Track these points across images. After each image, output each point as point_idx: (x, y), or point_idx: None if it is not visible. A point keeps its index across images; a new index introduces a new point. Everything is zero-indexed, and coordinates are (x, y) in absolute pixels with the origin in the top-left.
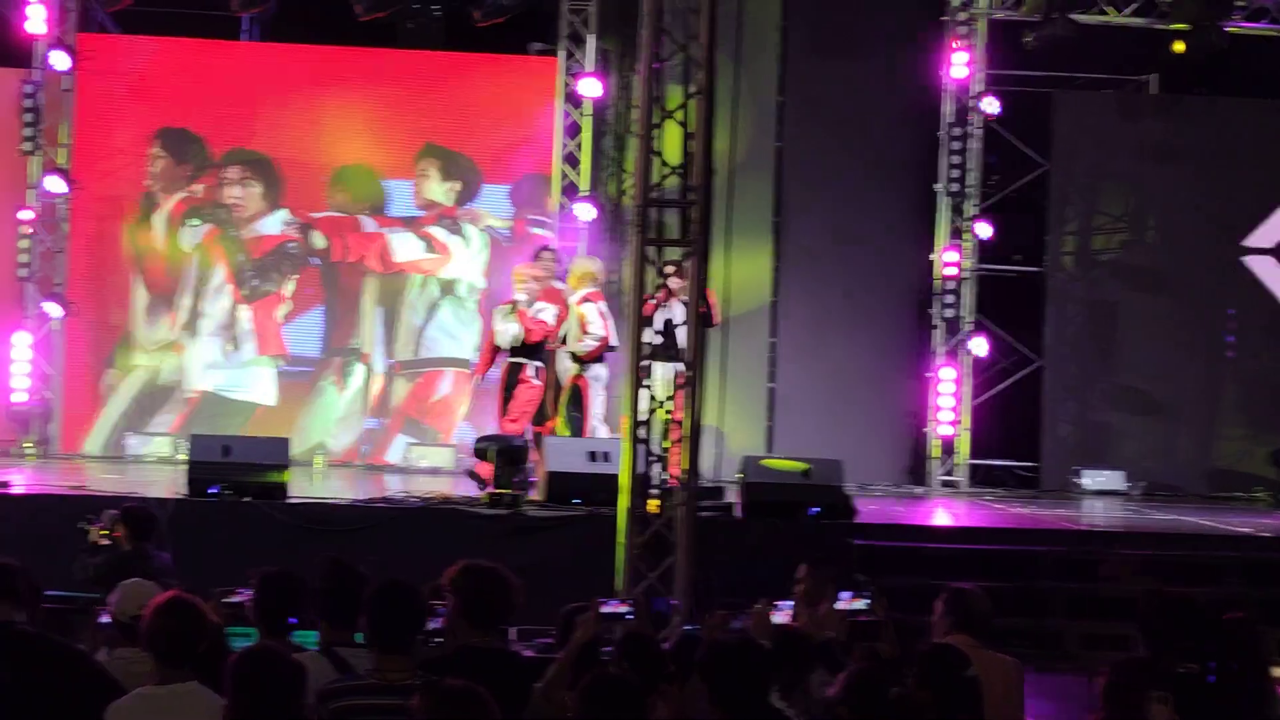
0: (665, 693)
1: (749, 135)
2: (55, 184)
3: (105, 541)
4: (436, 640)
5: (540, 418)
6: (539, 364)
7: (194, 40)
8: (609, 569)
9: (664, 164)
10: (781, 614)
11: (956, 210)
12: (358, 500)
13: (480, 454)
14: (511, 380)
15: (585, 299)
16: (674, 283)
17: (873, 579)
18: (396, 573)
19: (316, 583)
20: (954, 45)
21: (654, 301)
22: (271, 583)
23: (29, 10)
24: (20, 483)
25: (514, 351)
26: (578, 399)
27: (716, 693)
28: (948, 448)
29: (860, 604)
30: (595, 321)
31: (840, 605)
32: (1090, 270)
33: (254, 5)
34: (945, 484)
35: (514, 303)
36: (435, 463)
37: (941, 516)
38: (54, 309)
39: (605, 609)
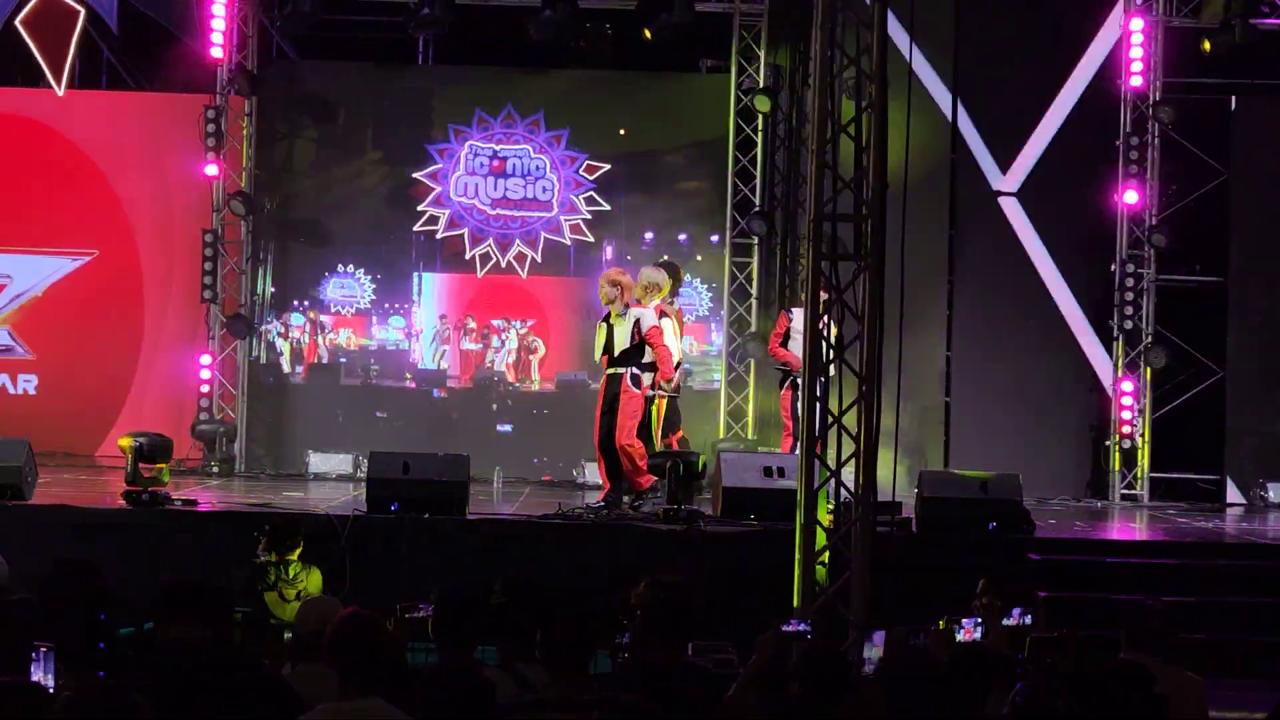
0: (841, 711)
1: (923, 148)
2: (237, 207)
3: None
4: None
5: (670, 428)
6: (635, 370)
7: (367, 64)
8: (785, 584)
9: (837, 178)
10: (962, 631)
11: (1135, 221)
12: (534, 516)
13: (657, 470)
14: (612, 390)
15: (661, 312)
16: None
17: (1052, 594)
18: (572, 588)
19: (495, 599)
20: (1130, 54)
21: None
22: (451, 599)
23: (211, 37)
24: (207, 500)
25: (611, 361)
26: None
27: (897, 711)
28: (1128, 461)
29: (1029, 619)
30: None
31: (1011, 621)
32: (1273, 279)
33: (429, 27)
34: (1126, 497)
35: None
36: None
37: (1122, 530)
38: (236, 330)
39: (786, 629)
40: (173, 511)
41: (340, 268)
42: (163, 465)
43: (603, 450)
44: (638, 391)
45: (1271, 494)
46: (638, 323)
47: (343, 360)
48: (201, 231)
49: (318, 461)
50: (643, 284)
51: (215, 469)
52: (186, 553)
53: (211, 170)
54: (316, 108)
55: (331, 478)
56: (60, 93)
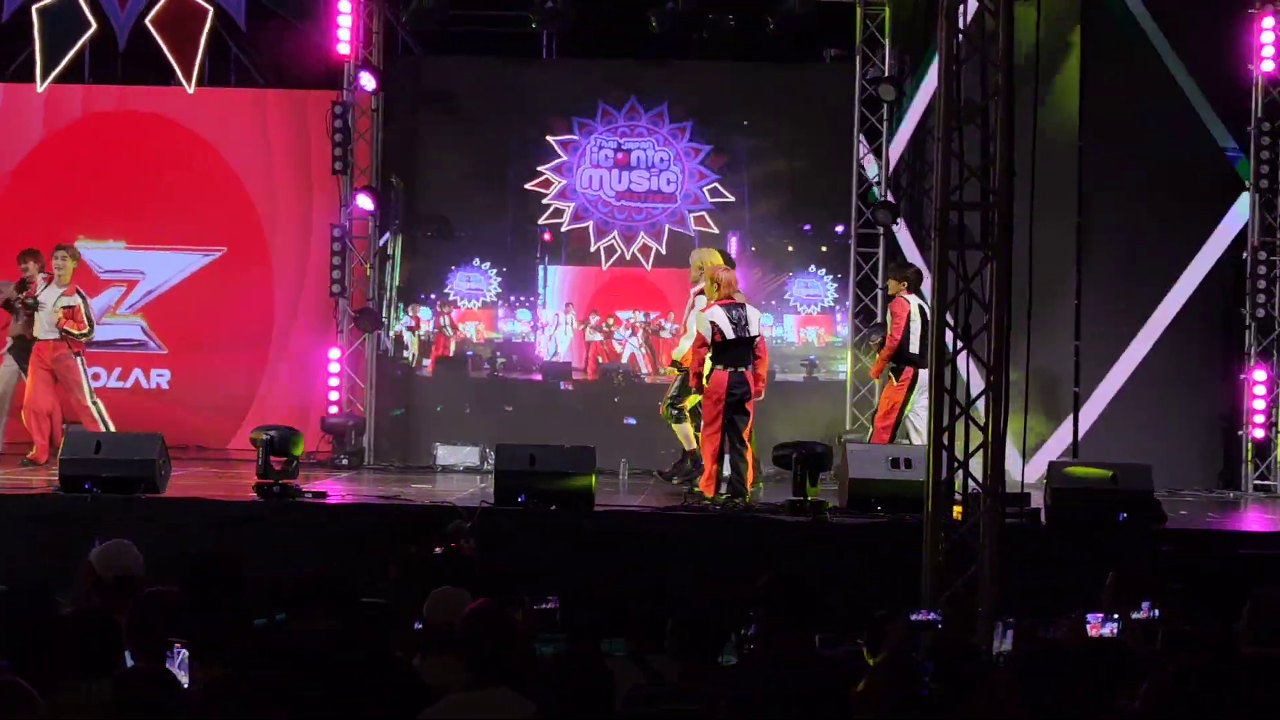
0: (972, 703)
1: (1050, 136)
2: (365, 202)
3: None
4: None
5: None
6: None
7: (492, 59)
8: (912, 576)
9: (964, 166)
10: (1093, 623)
11: (1267, 207)
12: (660, 508)
13: (781, 461)
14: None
15: (703, 292)
16: None
17: (1183, 586)
18: (700, 580)
19: (621, 590)
20: (1261, 37)
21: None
22: (579, 590)
23: (338, 34)
24: (336, 493)
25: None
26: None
27: (1029, 703)
28: (1261, 451)
29: (1161, 612)
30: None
31: (1142, 614)
32: None
33: (553, 20)
34: (1259, 489)
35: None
36: None
37: (1255, 521)
38: (364, 324)
39: (915, 617)
40: (303, 504)
41: (467, 261)
42: (293, 458)
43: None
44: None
45: None
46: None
47: (469, 354)
48: (330, 226)
49: (445, 454)
50: (695, 266)
51: (344, 461)
52: (317, 545)
53: (338, 166)
54: (441, 103)
55: (459, 470)
56: (190, 90)
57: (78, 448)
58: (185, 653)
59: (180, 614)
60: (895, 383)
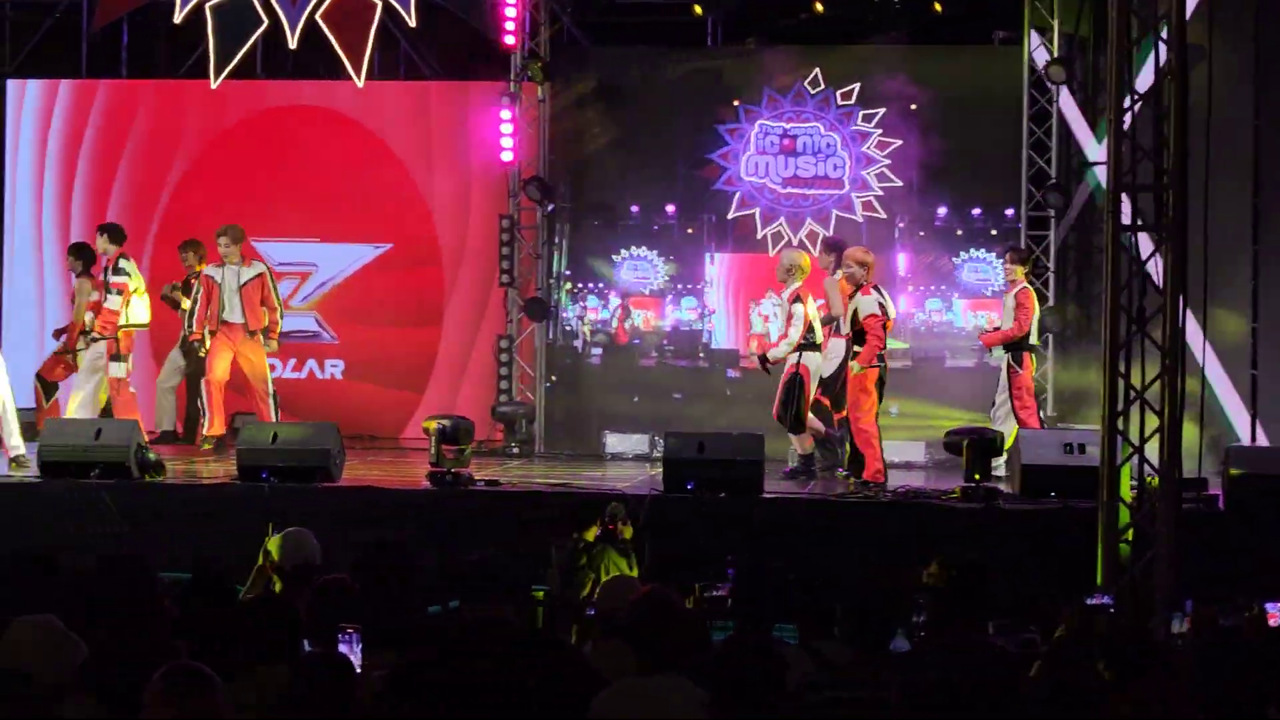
0: (1144, 690)
1: (1225, 115)
2: (532, 192)
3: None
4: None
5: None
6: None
7: (658, 47)
8: (1087, 563)
9: (1136, 147)
10: (1272, 613)
11: None
12: (830, 494)
13: (952, 448)
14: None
15: (796, 295)
16: None
17: None
18: (871, 567)
19: (791, 577)
20: None
21: None
22: (749, 576)
23: (505, 25)
24: (508, 481)
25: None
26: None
27: (1204, 692)
28: None
29: None
30: (797, 320)
31: None
32: None
33: (719, 6)
34: None
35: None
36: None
37: None
38: (533, 314)
39: (1089, 602)
40: (475, 492)
41: (634, 250)
42: (465, 447)
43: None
44: (866, 371)
45: None
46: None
47: (637, 341)
48: (499, 217)
49: (615, 442)
50: (784, 267)
51: (515, 450)
52: (489, 532)
53: (507, 156)
54: (608, 92)
55: (628, 458)
56: (360, 84)
57: (255, 438)
58: (358, 638)
59: (355, 602)
60: (1022, 370)
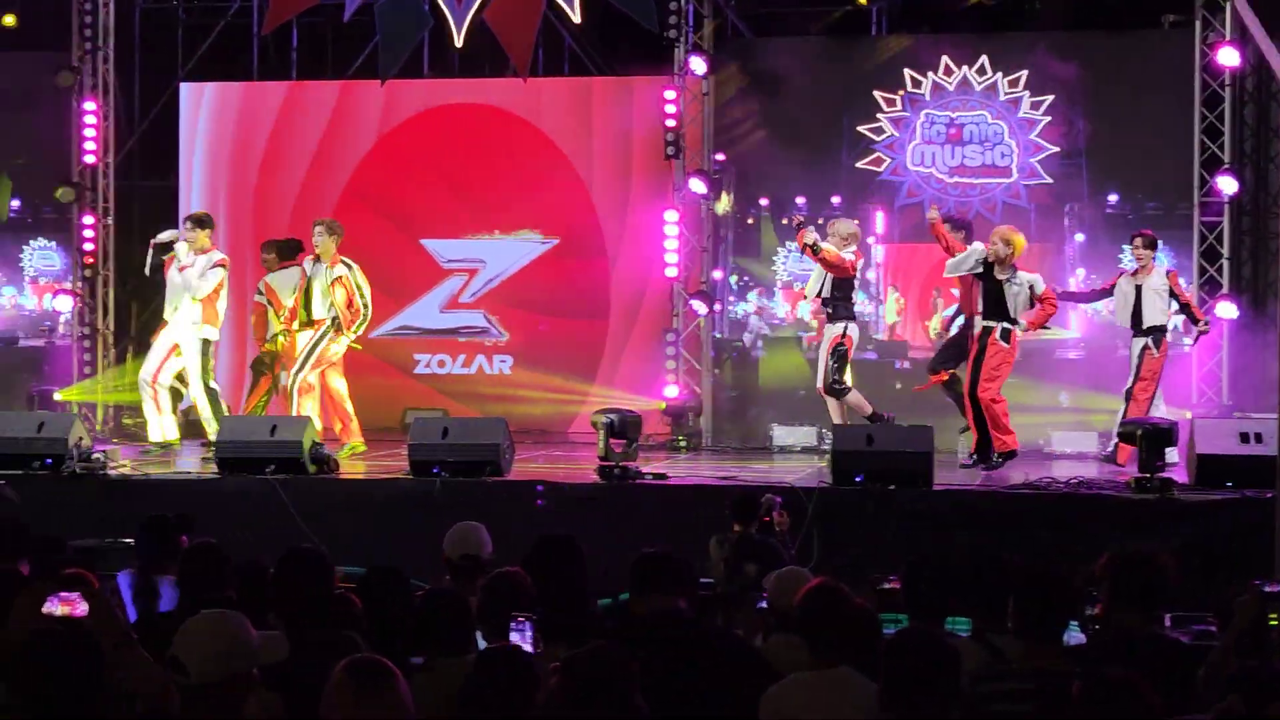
0: None
1: None
2: (697, 185)
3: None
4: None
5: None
6: (1005, 325)
7: (821, 38)
8: (1264, 553)
9: None
10: None
11: None
12: (1001, 487)
13: (1126, 438)
14: (982, 342)
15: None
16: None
17: None
18: (1043, 559)
19: (964, 570)
20: None
21: None
22: (921, 569)
23: (668, 19)
24: (676, 474)
25: (985, 313)
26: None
27: None
28: None
29: None
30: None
31: None
32: None
33: None
34: None
35: None
36: None
37: None
38: (700, 306)
39: (1268, 589)
40: (644, 485)
41: (791, 243)
42: (633, 440)
43: (970, 399)
44: (1005, 346)
45: None
46: (1032, 286)
47: (803, 334)
48: (664, 211)
49: (782, 435)
50: (840, 235)
51: (683, 443)
52: (658, 526)
53: (671, 150)
54: (771, 84)
55: (796, 450)
56: (525, 81)
57: (426, 433)
58: (530, 627)
59: (526, 595)
60: (1159, 354)
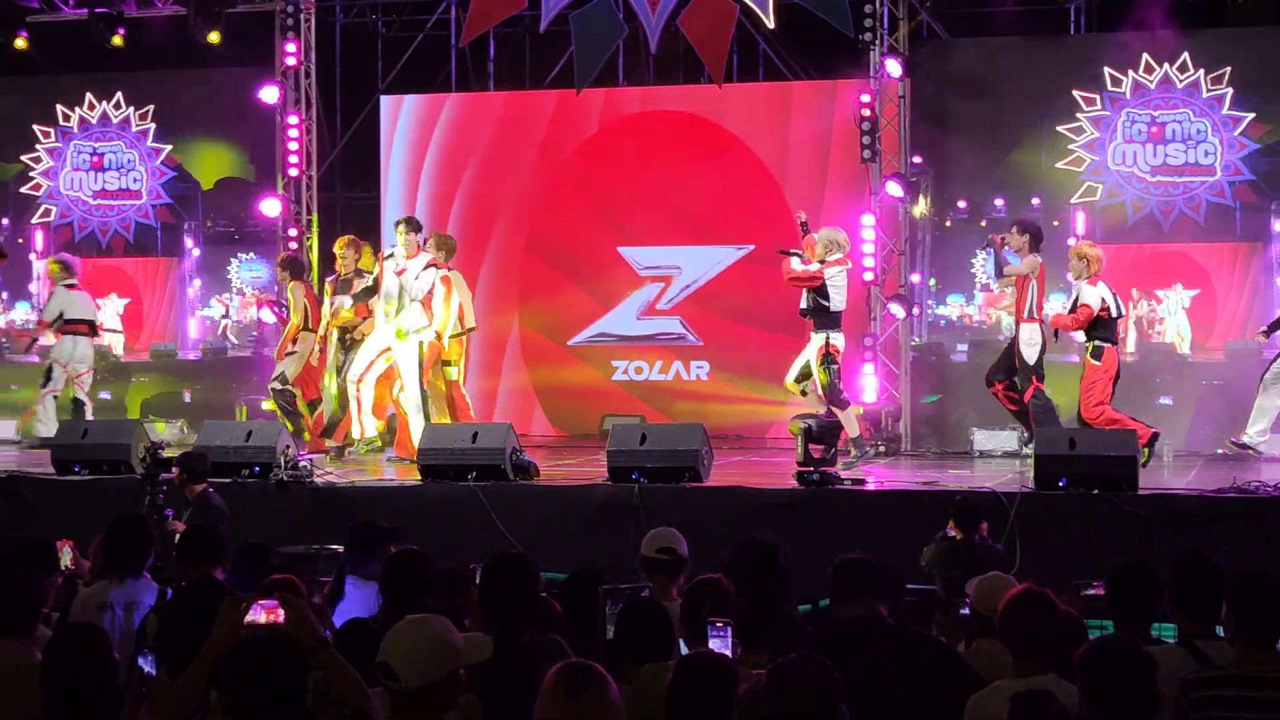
0: None
1: None
2: (894, 189)
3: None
4: None
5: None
6: (1096, 343)
7: (1018, 38)
8: None
9: None
10: None
11: None
12: (1208, 490)
13: None
14: (1082, 360)
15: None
16: None
17: None
18: (1254, 562)
19: (1170, 575)
20: None
21: None
22: (1127, 575)
23: (863, 21)
24: (875, 479)
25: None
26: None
27: None
28: None
29: None
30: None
31: None
32: None
33: None
34: None
35: None
36: None
37: None
38: (898, 310)
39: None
40: (842, 491)
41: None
42: (831, 445)
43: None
44: (1095, 364)
45: None
46: (1077, 296)
47: (1002, 337)
48: (860, 215)
49: (983, 439)
50: (823, 242)
51: (882, 448)
52: (857, 531)
53: (867, 154)
54: (968, 85)
55: (997, 455)
56: (720, 87)
57: (623, 439)
58: (728, 632)
59: (727, 601)
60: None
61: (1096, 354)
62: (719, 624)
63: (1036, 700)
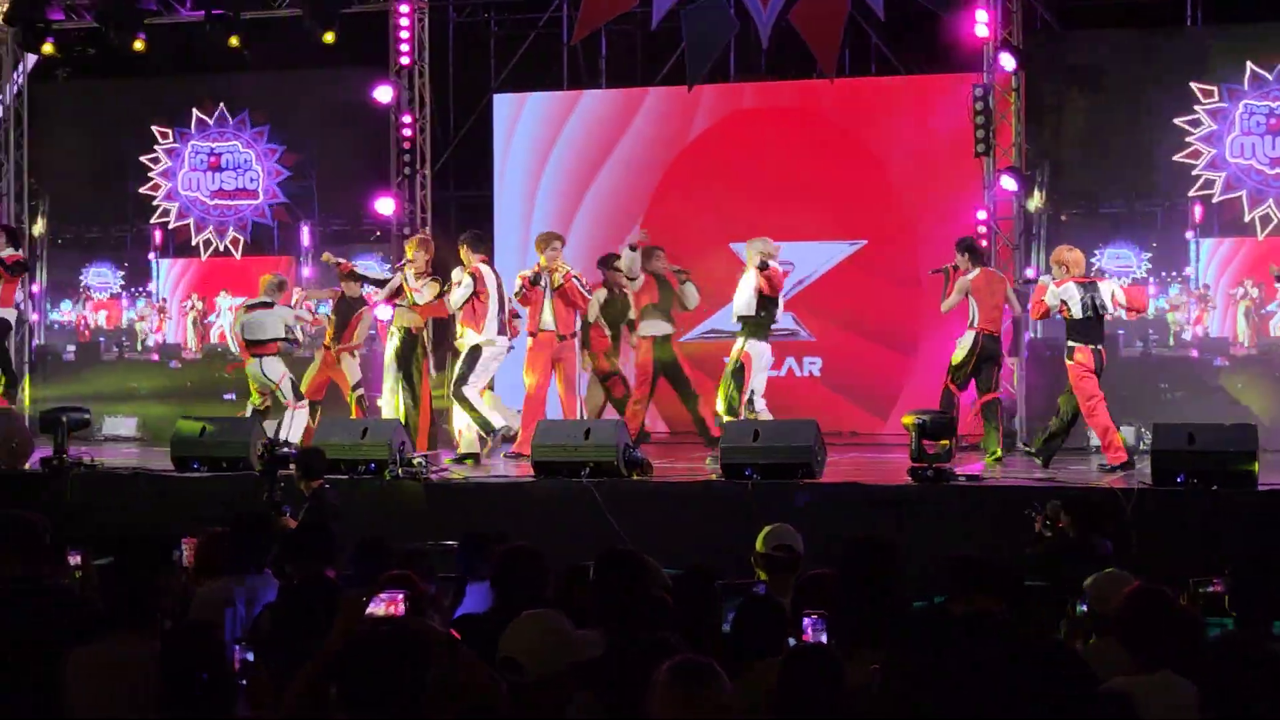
0: None
1: None
2: (1009, 183)
3: (1047, 533)
4: None
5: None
6: (1070, 344)
7: (1133, 30)
8: None
9: None
10: None
11: None
12: None
13: None
14: None
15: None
16: None
17: None
18: None
19: None
20: None
21: None
22: (1248, 571)
23: (976, 15)
24: (990, 475)
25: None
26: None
27: None
28: None
29: None
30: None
31: None
32: None
33: None
34: None
35: None
36: None
37: None
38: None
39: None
40: (957, 487)
41: (1111, 239)
42: (946, 442)
43: None
44: (1070, 363)
45: None
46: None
47: (1120, 331)
48: (974, 210)
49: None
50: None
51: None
52: (973, 527)
53: (981, 149)
54: (1083, 78)
55: None
56: (832, 82)
57: (737, 436)
58: (822, 625)
59: (838, 596)
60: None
61: (1069, 354)
62: (814, 615)
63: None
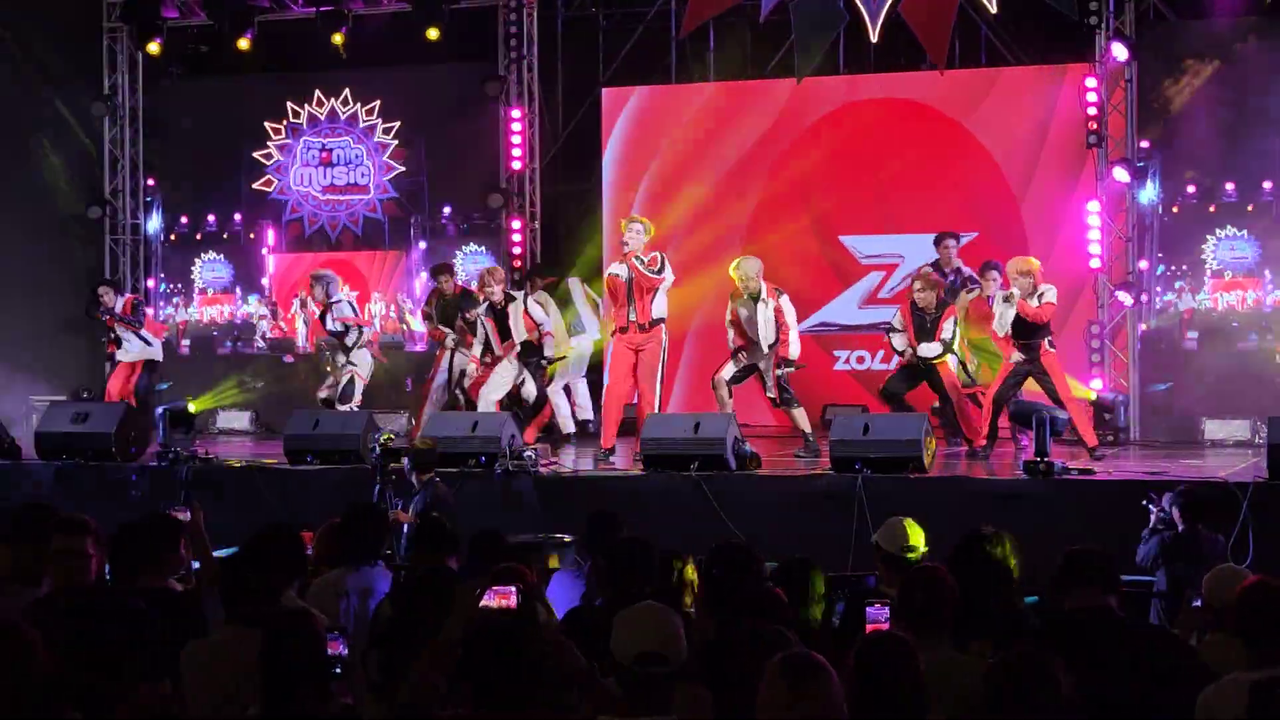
0: None
1: None
2: (1120, 174)
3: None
4: None
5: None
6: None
7: (1250, 18)
8: None
9: None
10: None
11: None
12: None
13: None
14: None
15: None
16: None
17: None
18: None
19: None
20: None
21: None
22: None
23: (1088, 5)
24: (1103, 469)
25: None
26: None
27: None
28: None
29: None
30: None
31: None
32: None
33: None
34: None
35: None
36: None
37: None
38: (1125, 298)
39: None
40: (1069, 480)
41: (1225, 227)
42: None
43: None
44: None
45: None
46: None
47: (1235, 324)
48: (1085, 201)
49: (1213, 428)
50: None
51: (1110, 438)
52: (1085, 522)
53: (1093, 139)
54: (1196, 67)
55: (1229, 445)
56: (942, 73)
57: (845, 429)
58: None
59: (946, 591)
60: None
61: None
62: (877, 604)
63: (1278, 688)
